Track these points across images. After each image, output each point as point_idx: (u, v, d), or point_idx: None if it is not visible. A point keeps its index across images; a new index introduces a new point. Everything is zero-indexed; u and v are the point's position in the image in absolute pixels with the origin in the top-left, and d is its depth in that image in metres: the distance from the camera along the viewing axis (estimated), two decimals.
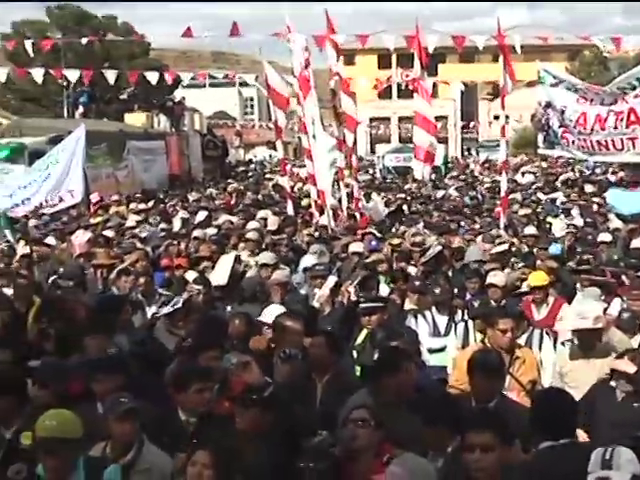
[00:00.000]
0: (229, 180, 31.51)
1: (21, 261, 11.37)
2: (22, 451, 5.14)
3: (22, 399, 5.78)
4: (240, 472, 4.59)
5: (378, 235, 12.66)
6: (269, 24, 18.66)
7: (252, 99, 79.50)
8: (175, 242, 12.76)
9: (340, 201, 15.64)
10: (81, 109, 33.72)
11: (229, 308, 9.18)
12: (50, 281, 10.46)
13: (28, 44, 20.57)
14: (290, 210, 15.93)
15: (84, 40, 23.88)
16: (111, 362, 6.31)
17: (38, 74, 20.86)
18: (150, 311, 9.11)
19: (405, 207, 19.09)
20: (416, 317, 8.53)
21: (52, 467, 4.67)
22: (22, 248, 11.86)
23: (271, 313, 7.61)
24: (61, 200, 18.91)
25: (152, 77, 20.83)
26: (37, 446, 4.75)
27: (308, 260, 10.73)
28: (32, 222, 16.54)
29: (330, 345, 6.44)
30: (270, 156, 52.37)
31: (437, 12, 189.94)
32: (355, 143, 15.90)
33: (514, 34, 16.30)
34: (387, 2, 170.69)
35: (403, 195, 22.98)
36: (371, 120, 63.44)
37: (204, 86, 63.07)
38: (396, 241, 12.13)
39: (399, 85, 52.39)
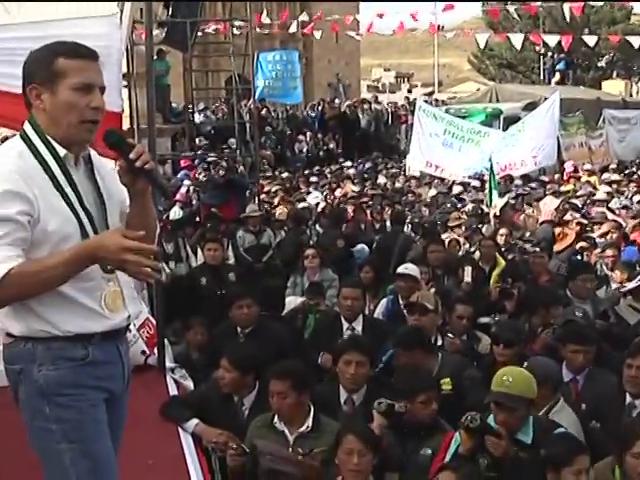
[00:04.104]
0: None
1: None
2: (443, 396, 5.40)
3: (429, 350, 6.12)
4: None
5: None
6: None
7: None
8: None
9: None
10: (557, 76, 33.36)
11: None
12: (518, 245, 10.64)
13: (511, 9, 20.86)
14: None
15: (566, 6, 23.52)
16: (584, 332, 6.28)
17: (517, 40, 20.99)
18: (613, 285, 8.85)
19: None
20: None
21: (502, 420, 4.75)
22: (493, 209, 12.19)
23: None
24: (523, 164, 19.07)
25: (635, 41, 19.94)
26: (490, 398, 4.86)
27: None
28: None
29: None
30: None
31: None
32: None
33: None
34: None
35: None
36: None
37: None
38: None
39: None
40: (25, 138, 3.05)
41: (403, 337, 6.20)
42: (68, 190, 3.02)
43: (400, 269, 8.15)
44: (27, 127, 3.07)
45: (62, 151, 3.04)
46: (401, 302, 7.77)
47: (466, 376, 5.90)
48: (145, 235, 2.94)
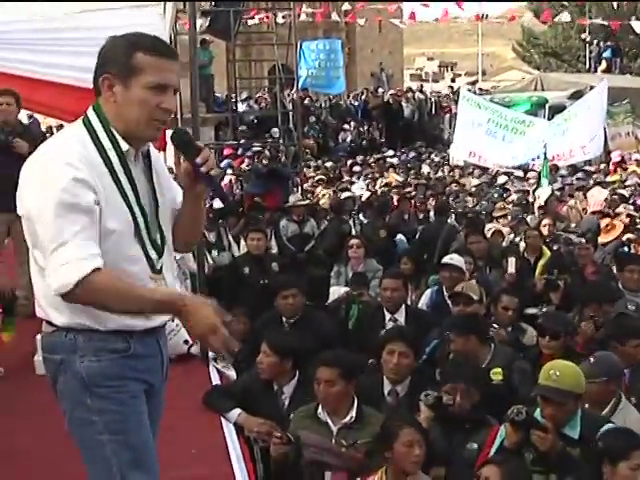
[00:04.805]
0: None
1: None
2: (490, 386, 5.37)
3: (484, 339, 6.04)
4: None
5: None
6: None
7: None
8: None
9: None
10: (604, 64, 32.84)
11: None
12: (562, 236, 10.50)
13: None
14: None
15: None
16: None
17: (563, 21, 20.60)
18: None
19: None
20: None
21: (548, 415, 4.66)
22: (538, 201, 12.06)
23: None
24: (571, 155, 18.82)
25: None
26: (537, 392, 4.79)
27: None
28: None
29: None
30: None
31: None
32: None
33: None
34: None
35: None
36: None
37: None
38: None
39: None
40: (88, 127, 2.96)
41: (459, 321, 6.16)
42: (126, 186, 2.95)
43: (445, 259, 8.09)
44: (91, 115, 2.98)
45: (125, 146, 2.95)
46: (445, 293, 7.71)
47: (515, 368, 5.83)
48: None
